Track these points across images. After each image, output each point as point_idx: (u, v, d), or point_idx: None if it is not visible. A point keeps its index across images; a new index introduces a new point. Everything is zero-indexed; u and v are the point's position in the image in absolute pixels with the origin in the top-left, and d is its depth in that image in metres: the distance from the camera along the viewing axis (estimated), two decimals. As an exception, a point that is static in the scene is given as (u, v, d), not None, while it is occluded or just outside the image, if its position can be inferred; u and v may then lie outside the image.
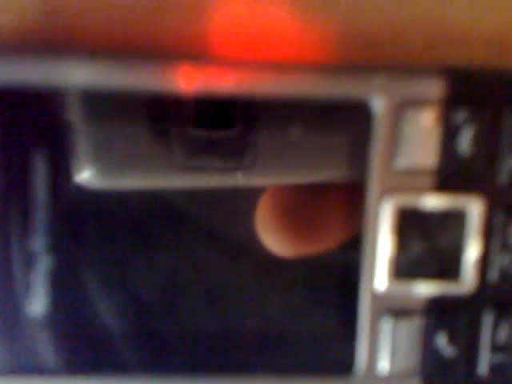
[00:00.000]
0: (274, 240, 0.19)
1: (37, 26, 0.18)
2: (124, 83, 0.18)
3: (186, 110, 0.18)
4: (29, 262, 0.18)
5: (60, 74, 0.17)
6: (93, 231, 0.19)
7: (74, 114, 0.18)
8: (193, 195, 0.19)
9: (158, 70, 0.18)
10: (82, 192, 0.19)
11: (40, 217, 0.18)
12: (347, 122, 0.19)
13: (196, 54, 0.19)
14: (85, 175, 0.18)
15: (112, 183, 0.19)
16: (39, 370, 0.19)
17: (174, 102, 0.18)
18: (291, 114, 0.19)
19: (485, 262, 0.20)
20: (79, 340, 0.19)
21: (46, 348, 0.19)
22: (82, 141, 0.18)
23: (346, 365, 0.20)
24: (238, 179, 0.19)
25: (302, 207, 0.20)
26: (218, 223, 0.20)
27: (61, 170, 0.18)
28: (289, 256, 0.20)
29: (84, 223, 0.19)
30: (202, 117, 0.18)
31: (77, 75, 0.17)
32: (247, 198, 0.19)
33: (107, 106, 0.18)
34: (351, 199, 0.19)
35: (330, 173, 0.19)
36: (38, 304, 0.19)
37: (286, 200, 0.20)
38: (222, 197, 0.19)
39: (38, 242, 0.18)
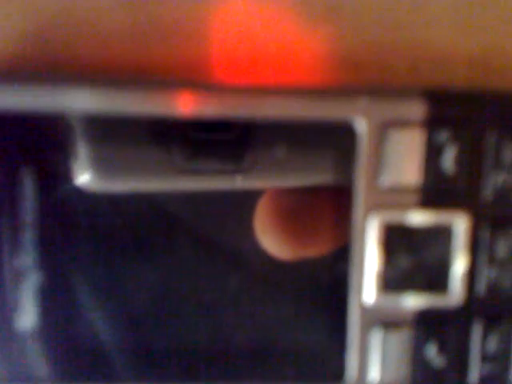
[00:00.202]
0: (273, 242, 0.20)
1: (27, 54, 0.20)
2: (123, 109, 0.19)
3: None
4: (18, 277, 0.19)
5: (60, 100, 0.18)
6: (85, 241, 0.20)
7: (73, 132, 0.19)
8: (192, 198, 0.20)
9: (157, 97, 0.19)
10: (77, 198, 0.19)
11: (29, 233, 0.19)
12: (332, 142, 0.20)
13: (176, 80, 0.20)
14: (84, 178, 0.19)
15: (111, 186, 0.19)
16: (29, 382, 0.20)
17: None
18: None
19: (472, 275, 0.20)
20: (69, 352, 0.20)
21: (36, 360, 0.20)
22: (81, 144, 0.19)
23: (336, 376, 0.21)
24: (237, 182, 0.20)
25: (300, 210, 0.20)
26: (216, 226, 0.20)
27: (49, 184, 0.19)
28: (287, 258, 0.20)
29: (76, 235, 0.20)
30: (201, 120, 0.19)
31: (76, 102, 0.18)
32: (246, 201, 0.20)
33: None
34: (347, 201, 0.20)
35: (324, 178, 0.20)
36: (27, 318, 0.20)
37: (284, 203, 0.20)
38: (220, 199, 0.20)
39: (27, 258, 0.19)
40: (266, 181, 0.20)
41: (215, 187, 0.20)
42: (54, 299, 0.20)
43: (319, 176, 0.20)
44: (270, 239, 0.20)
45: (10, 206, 0.19)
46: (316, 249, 0.20)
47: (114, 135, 0.19)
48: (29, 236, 0.19)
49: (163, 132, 0.19)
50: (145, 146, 0.19)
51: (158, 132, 0.19)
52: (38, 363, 0.20)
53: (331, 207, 0.20)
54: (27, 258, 0.19)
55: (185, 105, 0.19)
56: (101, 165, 0.19)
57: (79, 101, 0.18)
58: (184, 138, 0.19)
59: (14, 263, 0.19)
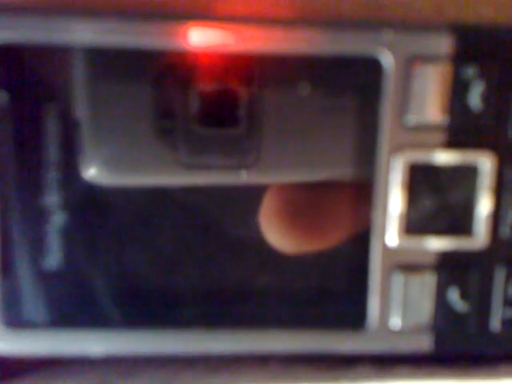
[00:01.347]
0: (279, 237, 0.20)
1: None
2: (129, 41, 0.18)
3: (191, 108, 0.19)
4: (43, 218, 0.19)
5: (68, 31, 0.18)
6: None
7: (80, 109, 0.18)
8: (197, 192, 0.20)
9: (163, 28, 0.18)
10: None
11: (53, 173, 0.19)
12: (358, 80, 0.19)
13: (200, 12, 0.19)
14: (91, 172, 0.19)
15: (117, 180, 0.19)
16: (54, 323, 0.20)
17: (180, 100, 0.19)
18: (295, 107, 0.19)
19: (497, 217, 0.20)
20: (92, 294, 0.20)
21: (60, 301, 0.19)
22: (88, 138, 0.19)
23: (358, 320, 0.20)
24: (242, 177, 0.19)
25: (305, 204, 0.20)
26: (222, 220, 0.20)
27: (73, 122, 0.19)
28: (293, 252, 0.20)
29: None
30: (206, 115, 0.19)
31: (83, 33, 0.18)
32: (251, 196, 0.20)
33: (115, 101, 0.18)
34: (354, 196, 0.20)
35: (338, 160, 0.20)
36: (52, 258, 0.19)
37: (290, 197, 0.20)
38: (226, 194, 0.20)
39: (52, 199, 0.19)
40: (272, 175, 0.20)
41: (220, 182, 0.19)
42: (79, 240, 0.19)
43: (324, 170, 0.20)
44: (276, 234, 0.20)
45: (34, 145, 0.18)
46: (323, 242, 0.20)
47: (120, 130, 0.19)
48: (53, 175, 0.19)
49: (169, 127, 0.19)
50: (151, 142, 0.19)
51: (165, 127, 0.19)
52: (63, 305, 0.19)
53: (337, 199, 0.20)
54: (52, 198, 0.19)
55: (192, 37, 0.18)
56: (108, 158, 0.19)
57: (84, 32, 0.18)
58: (190, 133, 0.19)
59: (39, 203, 0.19)
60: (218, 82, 0.19)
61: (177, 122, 0.19)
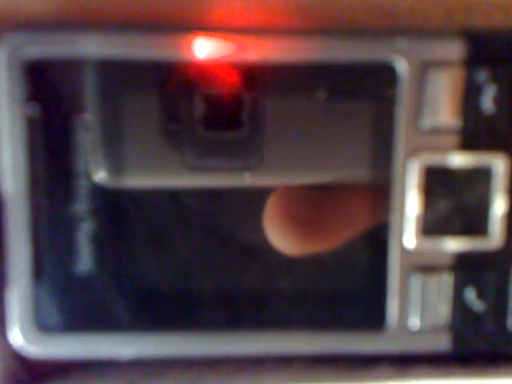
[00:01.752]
0: (282, 239, 0.20)
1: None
2: (136, 53, 0.19)
3: (195, 112, 0.19)
4: (73, 224, 0.20)
5: (81, 45, 0.19)
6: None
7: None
8: (202, 194, 0.20)
9: (168, 40, 0.19)
10: None
11: (83, 181, 0.19)
12: (372, 87, 0.20)
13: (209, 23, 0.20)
14: (99, 175, 0.20)
15: (124, 183, 0.20)
16: (84, 327, 0.20)
17: (186, 105, 0.19)
18: (298, 112, 0.20)
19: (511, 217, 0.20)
20: (122, 298, 0.20)
21: (89, 305, 0.20)
22: (96, 142, 0.19)
23: (377, 321, 0.21)
24: (246, 179, 0.20)
25: (309, 206, 0.20)
26: (226, 222, 0.20)
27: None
28: (296, 255, 0.20)
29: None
30: (211, 118, 0.19)
31: (95, 47, 0.19)
32: (255, 198, 0.20)
33: (122, 106, 0.19)
34: (357, 198, 0.20)
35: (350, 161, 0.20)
36: (82, 264, 0.20)
37: (293, 199, 0.20)
38: (230, 196, 0.20)
39: (82, 205, 0.20)
40: (275, 178, 0.20)
41: (225, 184, 0.20)
42: (108, 245, 0.20)
43: (329, 172, 0.20)
44: (279, 236, 0.20)
45: (65, 154, 0.19)
46: (327, 244, 0.20)
47: (128, 134, 0.19)
48: (83, 183, 0.19)
49: (175, 130, 0.19)
50: (158, 144, 0.19)
51: (171, 130, 0.19)
52: (95, 309, 0.20)
53: (341, 201, 0.20)
54: (82, 205, 0.20)
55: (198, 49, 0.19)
56: (115, 161, 0.19)
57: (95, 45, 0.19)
58: (195, 136, 0.20)
59: (70, 210, 0.20)
60: (222, 87, 0.19)
61: (183, 127, 0.19)
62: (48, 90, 0.19)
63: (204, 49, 0.19)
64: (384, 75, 0.19)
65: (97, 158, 0.19)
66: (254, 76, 0.19)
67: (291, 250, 0.20)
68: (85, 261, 0.20)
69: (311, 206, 0.20)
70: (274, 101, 0.19)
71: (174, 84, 0.19)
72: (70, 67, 0.19)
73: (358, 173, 0.20)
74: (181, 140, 0.20)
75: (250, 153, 0.20)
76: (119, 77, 0.19)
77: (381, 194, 0.20)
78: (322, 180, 0.20)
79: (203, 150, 0.20)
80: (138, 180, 0.20)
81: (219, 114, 0.19)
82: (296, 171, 0.20)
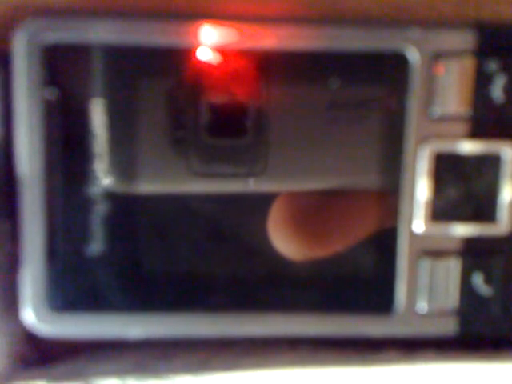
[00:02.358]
0: (286, 244, 0.21)
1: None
2: (142, 40, 0.19)
3: (201, 120, 0.20)
4: (87, 206, 0.20)
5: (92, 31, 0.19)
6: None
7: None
8: (208, 200, 0.21)
9: (174, 27, 0.19)
10: None
11: (99, 164, 0.20)
12: (383, 76, 0.20)
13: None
14: (106, 181, 0.20)
15: (131, 189, 0.20)
16: (95, 307, 0.21)
17: (191, 112, 0.20)
18: (303, 117, 0.20)
19: None
20: (132, 279, 0.21)
21: (101, 286, 0.21)
22: (102, 148, 0.20)
23: (386, 305, 0.21)
24: (251, 185, 0.20)
25: (313, 212, 0.21)
26: (231, 227, 0.21)
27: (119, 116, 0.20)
28: (301, 260, 0.21)
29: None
30: (216, 126, 0.20)
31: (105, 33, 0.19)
32: (260, 203, 0.21)
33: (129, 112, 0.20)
34: (362, 204, 0.21)
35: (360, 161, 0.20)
36: (94, 245, 0.20)
37: (298, 205, 0.21)
38: (236, 202, 0.21)
39: (97, 188, 0.20)
40: (279, 184, 0.21)
41: (230, 190, 0.21)
42: (119, 227, 0.20)
43: (332, 179, 0.20)
44: (284, 241, 0.21)
45: (80, 137, 0.20)
46: (331, 249, 0.21)
47: (134, 141, 0.20)
48: (99, 166, 0.20)
49: (181, 137, 0.20)
50: (164, 151, 0.20)
51: (177, 137, 0.20)
52: (106, 289, 0.21)
53: (345, 207, 0.21)
54: (97, 187, 0.20)
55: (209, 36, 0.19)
56: (122, 168, 0.20)
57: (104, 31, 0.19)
58: (200, 142, 0.20)
59: (83, 193, 0.20)
60: (227, 95, 0.20)
61: (189, 134, 0.20)
62: (66, 75, 0.19)
63: (215, 36, 0.19)
64: (395, 65, 0.20)
65: (103, 164, 0.20)
66: (258, 82, 0.20)
67: (295, 255, 0.21)
68: (97, 242, 0.20)
69: (315, 212, 0.21)
70: (279, 107, 0.20)
71: (180, 90, 0.20)
72: (86, 52, 0.19)
73: (363, 180, 0.21)
74: (187, 147, 0.20)
75: (255, 159, 0.20)
76: (126, 84, 0.20)
77: (386, 200, 0.21)
78: (327, 186, 0.21)
79: (209, 157, 0.20)
80: (144, 186, 0.20)
81: (224, 121, 0.20)
82: (300, 177, 0.21)
